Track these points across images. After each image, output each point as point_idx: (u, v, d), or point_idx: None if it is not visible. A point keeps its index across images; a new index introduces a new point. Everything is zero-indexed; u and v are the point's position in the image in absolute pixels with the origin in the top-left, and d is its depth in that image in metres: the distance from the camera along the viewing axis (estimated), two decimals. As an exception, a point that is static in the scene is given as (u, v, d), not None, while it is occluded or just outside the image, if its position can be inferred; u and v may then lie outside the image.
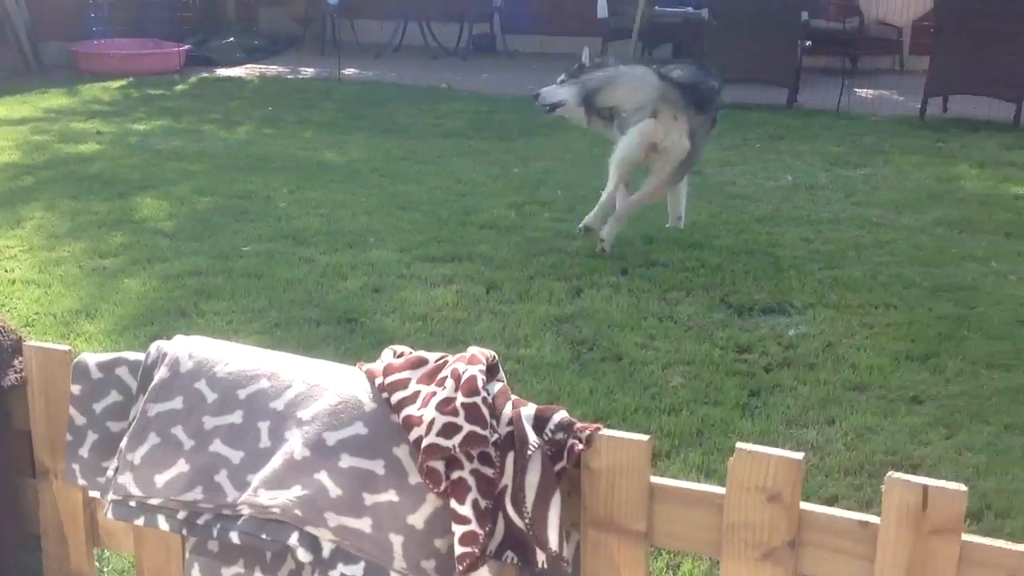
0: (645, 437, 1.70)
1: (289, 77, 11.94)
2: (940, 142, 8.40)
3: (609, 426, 3.67)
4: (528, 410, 1.76)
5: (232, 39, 13.19)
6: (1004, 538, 2.99)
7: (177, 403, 1.84)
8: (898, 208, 6.44)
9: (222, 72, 12.14)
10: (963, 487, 1.49)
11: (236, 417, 1.81)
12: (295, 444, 1.75)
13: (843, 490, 3.33)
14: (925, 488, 1.50)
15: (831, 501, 3.26)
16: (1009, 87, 9.12)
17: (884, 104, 10.13)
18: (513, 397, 1.78)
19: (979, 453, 3.53)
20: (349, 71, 11.95)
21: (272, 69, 12.43)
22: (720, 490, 1.66)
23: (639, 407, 3.89)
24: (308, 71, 12.21)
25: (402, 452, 1.72)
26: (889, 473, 1.53)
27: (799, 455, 1.59)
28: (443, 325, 4.65)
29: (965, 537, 1.50)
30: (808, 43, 10.63)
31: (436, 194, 6.81)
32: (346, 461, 1.72)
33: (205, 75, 11.93)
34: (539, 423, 1.74)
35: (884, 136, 8.60)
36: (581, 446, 1.71)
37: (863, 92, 10.74)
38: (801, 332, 4.56)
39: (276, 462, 1.75)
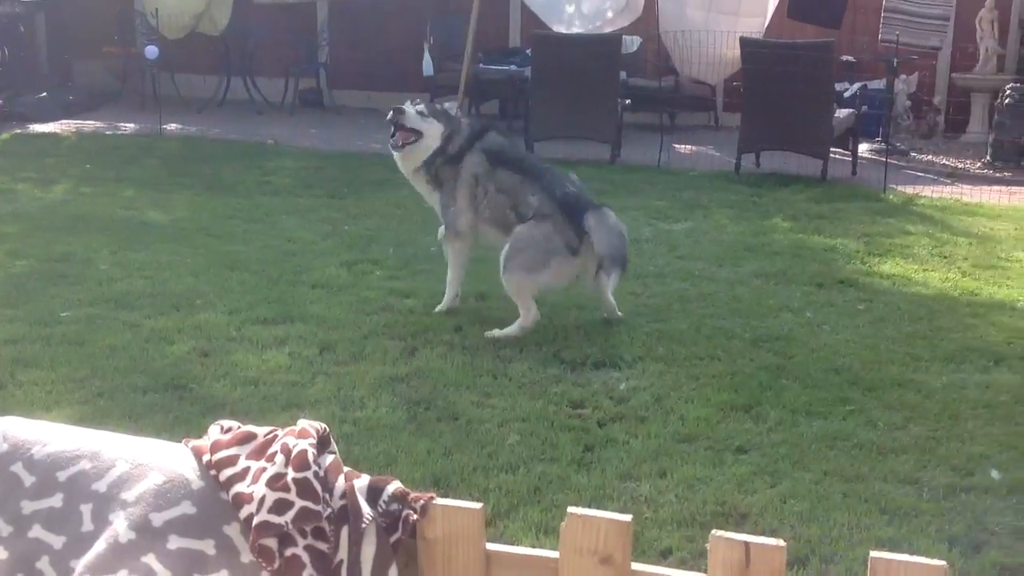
0: (478, 505, 1.73)
1: (108, 133, 11.60)
2: (755, 196, 8.81)
3: (447, 486, 3.69)
4: (361, 482, 1.77)
5: (45, 94, 12.72)
6: (829, 582, 3.14)
7: (-8, 488, 1.76)
8: (718, 261, 6.71)
9: (36, 128, 11.69)
10: (781, 542, 1.58)
11: (56, 501, 1.76)
12: (120, 527, 1.71)
13: (676, 542, 3.42)
14: (747, 544, 1.59)
15: (665, 554, 3.35)
16: (814, 144, 9.66)
17: (702, 159, 10.57)
18: (346, 469, 1.78)
19: (802, 500, 3.69)
20: (171, 126, 11.69)
21: (89, 125, 12.05)
22: (554, 554, 1.70)
23: (477, 466, 3.91)
24: (128, 127, 11.89)
25: (233, 531, 1.70)
26: (712, 531, 1.60)
27: (627, 517, 1.65)
28: (276, 389, 4.58)
29: (791, 592, 1.58)
30: (628, 101, 11.01)
31: (265, 253, 6.71)
32: (174, 542, 1.69)
33: (18, 131, 11.46)
34: (373, 494, 1.75)
35: (703, 190, 8.96)
36: (416, 516, 1.73)
37: (682, 148, 11.18)
38: (632, 386, 4.68)
39: (100, 546, 1.70)
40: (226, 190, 8.68)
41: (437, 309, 5.60)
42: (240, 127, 11.74)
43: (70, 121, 12.21)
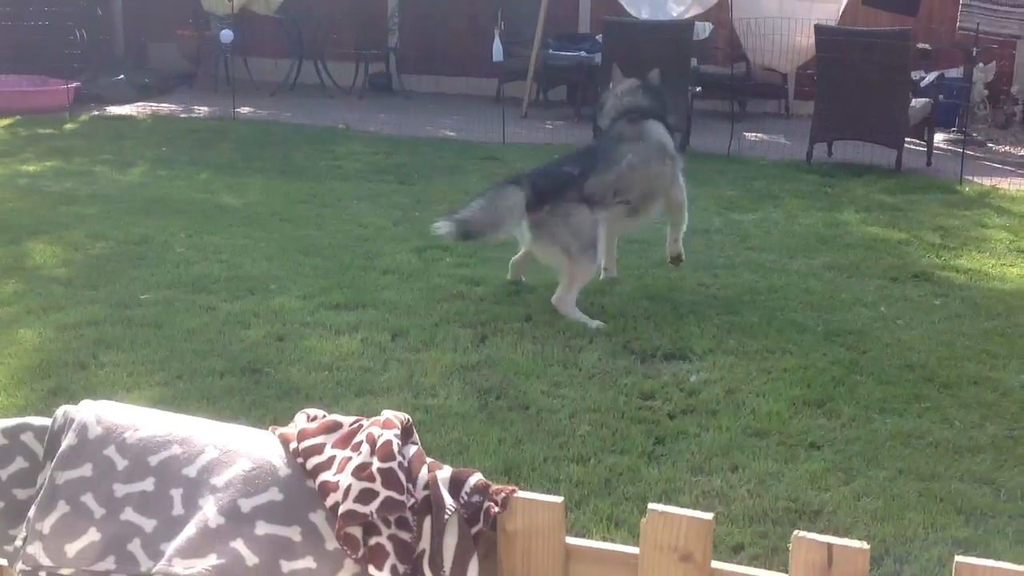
0: (559, 499, 1.75)
1: (182, 116, 11.77)
2: (827, 187, 8.70)
3: (518, 476, 3.72)
4: (444, 473, 1.79)
5: (122, 76, 12.93)
6: (904, 583, 3.11)
7: (86, 470, 1.81)
8: (790, 253, 6.65)
9: (113, 110, 11.89)
10: (865, 545, 1.58)
11: (148, 484, 1.79)
12: (209, 511, 1.74)
13: (749, 538, 3.41)
14: (830, 547, 1.59)
15: (737, 550, 3.35)
16: (889, 133, 9.50)
17: (772, 148, 10.45)
18: (428, 460, 1.81)
19: (876, 498, 3.66)
20: (244, 110, 11.83)
21: (164, 107, 12.24)
22: (634, 550, 1.71)
23: (548, 457, 3.93)
24: (202, 110, 12.06)
25: (318, 518, 1.73)
26: (795, 532, 1.60)
27: (709, 515, 1.66)
28: (349, 375, 4.63)
29: (871, 593, 1.58)
30: (698, 88, 10.92)
31: (337, 239, 6.78)
32: (262, 528, 1.72)
33: (96, 113, 11.67)
34: (455, 486, 1.77)
35: (774, 180, 8.87)
36: (497, 509, 1.75)
37: (752, 136, 11.07)
38: (702, 378, 4.66)
39: (190, 530, 1.74)
40: (298, 174, 8.78)
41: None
42: (311, 111, 11.85)
43: (146, 104, 12.42)
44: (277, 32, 13.48)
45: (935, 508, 3.60)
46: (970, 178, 9.07)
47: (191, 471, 1.79)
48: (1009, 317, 5.52)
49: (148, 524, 1.77)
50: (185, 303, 5.45)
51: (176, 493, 1.78)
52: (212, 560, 1.70)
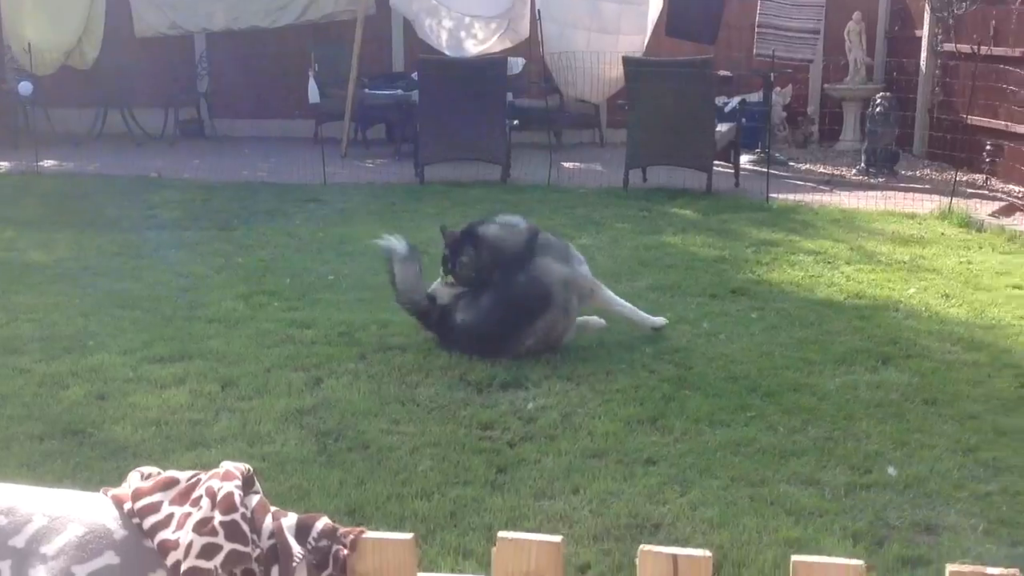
0: (409, 536, 1.74)
1: (-19, 172, 11.21)
2: (644, 211, 8.99)
3: (363, 516, 3.67)
4: (289, 520, 1.76)
5: (-87, 133, 12.24)
6: (743, 587, 3.22)
7: (-97, 551, 1.70)
8: (615, 276, 6.80)
9: (-97, 169, 11.22)
10: (708, 553, 1.63)
11: (-28, 559, 1.70)
12: (42, 582, 1.67)
13: (594, 556, 3.46)
14: (674, 558, 1.63)
15: (584, 569, 3.40)
16: (698, 157, 9.91)
17: (590, 176, 10.73)
18: (272, 508, 1.77)
19: (711, 507, 3.78)
20: (47, 163, 11.37)
21: (-40, 164, 11.63)
22: (485, 579, 1.72)
23: (391, 495, 3.90)
24: (1, 165, 11.51)
25: None
26: (641, 547, 1.64)
27: (558, 538, 1.68)
28: (179, 428, 4.49)
29: (715, 600, 1.63)
30: (515, 122, 11.13)
31: (157, 290, 6.57)
32: None
33: None
34: (301, 532, 1.74)
35: (594, 207, 9.10)
36: (346, 551, 1.73)
37: (570, 165, 11.33)
38: (539, 405, 4.72)
39: (22, 603, 1.66)
40: (110, 226, 8.47)
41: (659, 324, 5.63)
42: (120, 161, 11.48)
43: (-60, 161, 11.77)
44: (79, 81, 13.02)
45: (766, 512, 3.74)
46: (776, 196, 9.54)
47: (19, 541, 1.71)
48: (821, 325, 5.81)
49: (-24, 600, 1.68)
50: (-4, 367, 5.18)
51: (4, 566, 1.70)
52: (49, 633, 1.63)
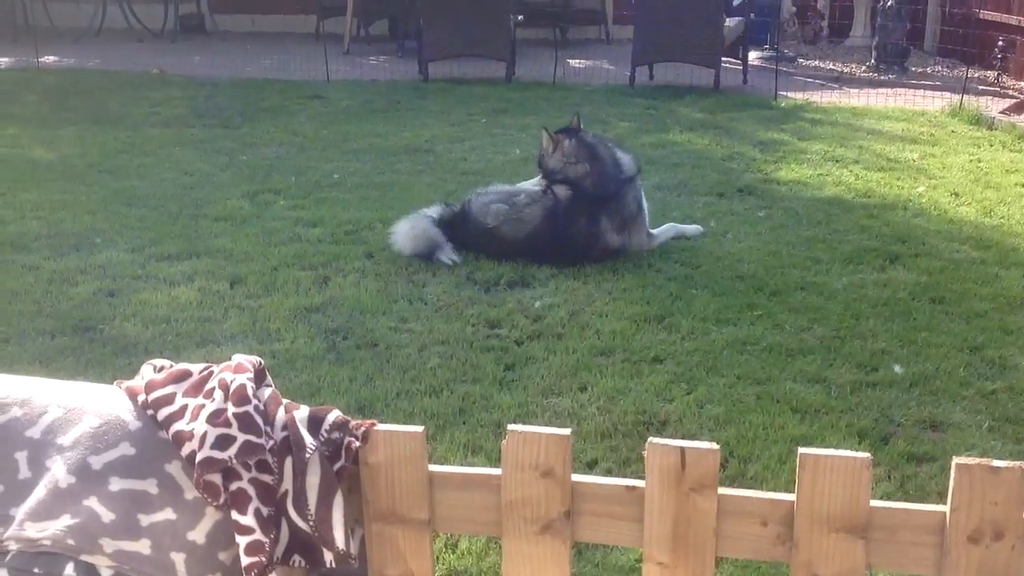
0: (419, 428, 1.76)
1: (-20, 68, 11.08)
2: (651, 109, 8.89)
3: (372, 413, 3.72)
4: (301, 413, 1.78)
5: (-91, 28, 12.07)
6: (747, 481, 3.28)
7: (-80, 440, 1.73)
8: (620, 175, 6.77)
9: (-100, 65, 11.09)
10: (715, 446, 1.66)
11: (-12, 449, 1.72)
12: (58, 472, 1.69)
13: (601, 453, 3.51)
14: (682, 450, 1.66)
15: (591, 465, 3.44)
16: (706, 54, 9.76)
17: (596, 74, 10.58)
18: (285, 401, 1.79)
19: (718, 404, 3.82)
20: (48, 59, 11.22)
21: (-42, 60, 11.48)
22: (496, 471, 1.75)
23: (400, 391, 3.94)
24: (1, 61, 11.36)
25: (174, 468, 1.71)
26: (649, 439, 1.66)
27: (567, 431, 1.70)
28: (189, 326, 4.51)
29: (721, 491, 1.66)
30: (520, 17, 10.94)
31: (163, 187, 6.55)
32: (116, 484, 1.68)
33: None
34: (314, 424, 1.77)
35: (600, 105, 9.00)
36: (358, 443, 1.76)
37: (575, 63, 11.17)
38: (546, 303, 4.74)
39: (40, 492, 1.69)
40: (114, 123, 8.40)
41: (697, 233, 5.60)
42: (121, 57, 11.33)
43: (-63, 57, 11.63)
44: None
45: (773, 409, 3.78)
46: (784, 93, 9.42)
47: (35, 432, 1.73)
48: (829, 224, 5.79)
49: (-7, 490, 1.71)
50: (5, 264, 5.18)
51: (21, 456, 1.72)
52: (66, 521, 1.65)
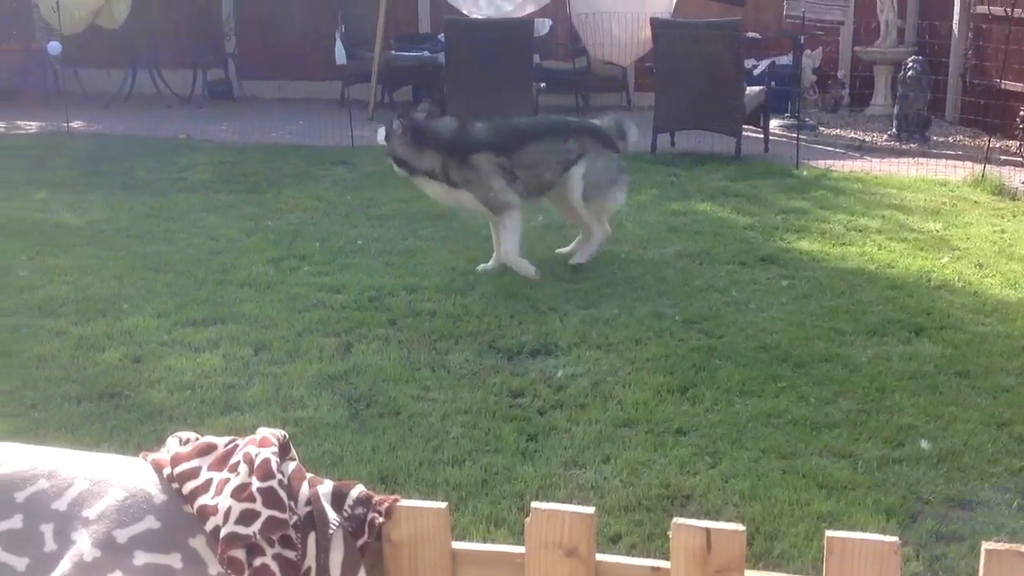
0: (443, 504, 1.76)
1: (12, 133, 11.26)
2: (672, 176, 8.93)
3: (395, 483, 3.71)
4: (325, 488, 1.78)
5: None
6: (774, 559, 3.25)
7: (-53, 513, 1.74)
8: (643, 243, 6.81)
9: (-66, 129, 11.29)
10: (741, 527, 1.64)
11: (15, 522, 1.73)
12: (84, 545, 1.70)
13: (625, 527, 3.49)
14: (708, 531, 1.64)
15: (615, 539, 3.42)
16: (727, 122, 9.82)
17: (617, 141, 10.63)
18: (308, 475, 1.80)
19: (742, 479, 3.79)
20: (77, 124, 11.40)
21: (-9, 124, 11.68)
22: (520, 549, 1.74)
23: (423, 461, 3.94)
24: (31, 126, 11.56)
25: (199, 543, 1.71)
26: (675, 519, 1.65)
27: (591, 510, 1.69)
28: (213, 392, 4.53)
29: (749, 573, 1.64)
30: (542, 84, 11.07)
31: (189, 253, 6.61)
32: (141, 558, 1.68)
33: (-85, 133, 11.05)
34: (337, 500, 1.77)
35: (621, 172, 9.04)
36: (381, 519, 1.75)
37: (597, 129, 11.24)
38: (569, 372, 4.74)
39: (65, 566, 1.69)
40: (142, 188, 8.52)
41: (484, 268, 6.14)
42: (149, 122, 11.50)
43: (-30, 121, 11.83)
44: (108, 41, 13.02)
45: (798, 484, 3.75)
46: (806, 162, 9.46)
47: (61, 505, 1.74)
48: (852, 295, 5.79)
49: (20, 563, 1.71)
50: (33, 328, 5.23)
51: (47, 528, 1.73)
52: (92, 595, 1.65)
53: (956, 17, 11.60)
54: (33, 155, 9.89)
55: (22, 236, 6.97)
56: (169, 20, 12.99)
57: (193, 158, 9.80)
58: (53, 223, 7.40)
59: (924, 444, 4.03)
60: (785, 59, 12.17)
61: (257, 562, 1.69)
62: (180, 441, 1.86)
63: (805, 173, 9.16)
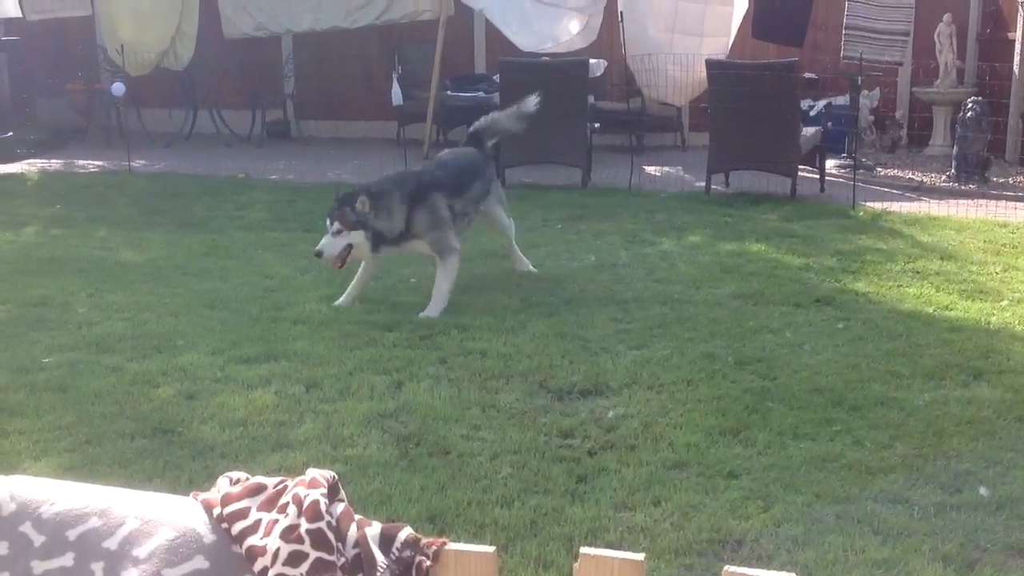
0: (491, 548, 1.74)
1: (75, 172, 11.51)
2: (727, 216, 8.89)
3: (443, 523, 3.70)
4: (373, 530, 1.77)
5: (10, 133, 12.61)
6: (828, 607, 3.16)
7: (2, 549, 1.76)
8: (696, 284, 6.76)
9: (1, 169, 11.56)
10: (794, 575, 1.60)
11: (67, 560, 1.74)
12: (134, 584, 1.70)
13: (676, 572, 3.44)
14: (760, 580, 1.61)
15: (665, 583, 3.37)
16: (783, 162, 9.77)
17: (672, 181, 10.65)
18: (357, 517, 1.79)
19: (795, 524, 3.72)
20: (139, 163, 11.64)
21: (55, 164, 11.96)
22: (568, 594, 1.72)
23: (471, 501, 3.92)
24: (95, 165, 11.81)
25: None
26: (726, 567, 1.62)
27: (640, 556, 1.67)
28: (265, 429, 4.56)
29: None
30: (597, 125, 11.09)
31: (244, 290, 6.69)
32: None
33: (-18, 172, 11.35)
34: (385, 542, 1.76)
35: (675, 212, 9.03)
36: (429, 562, 1.74)
37: (651, 169, 11.26)
38: (620, 413, 4.70)
39: (115, 604, 1.70)
40: (199, 226, 8.65)
41: (424, 315, 6.11)
42: (209, 161, 11.70)
43: (35, 160, 12.13)
44: (170, 82, 13.30)
45: (853, 530, 3.68)
46: (862, 203, 9.36)
47: (112, 543, 1.75)
48: (909, 337, 5.69)
49: (70, 601, 1.72)
50: (90, 364, 5.31)
51: (97, 567, 1.74)
52: (139, 634, 1.66)
53: (1017, 59, 11.45)
54: (95, 193, 10.10)
55: (82, 273, 7.10)
56: (230, 62, 13.23)
57: (250, 196, 9.94)
58: (113, 260, 7.53)
59: (982, 490, 3.94)
60: (842, 99, 12.09)
61: (304, 603, 1.69)
62: (231, 481, 1.87)
63: (861, 214, 9.07)
